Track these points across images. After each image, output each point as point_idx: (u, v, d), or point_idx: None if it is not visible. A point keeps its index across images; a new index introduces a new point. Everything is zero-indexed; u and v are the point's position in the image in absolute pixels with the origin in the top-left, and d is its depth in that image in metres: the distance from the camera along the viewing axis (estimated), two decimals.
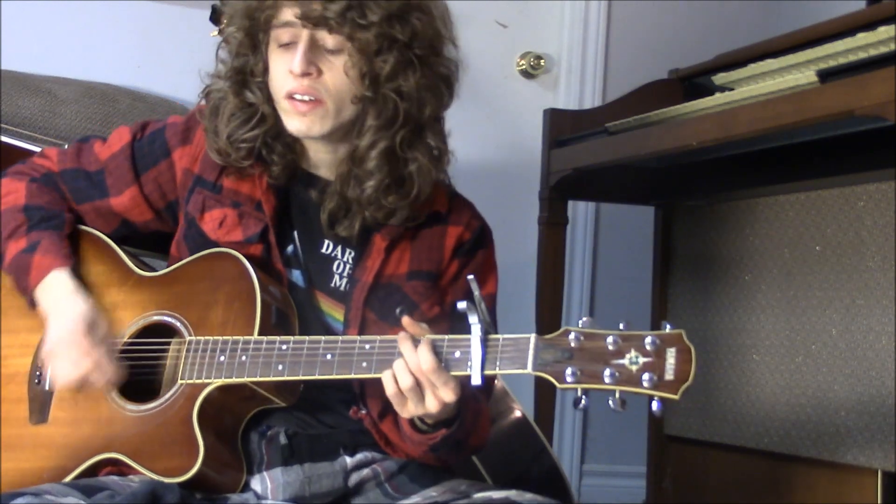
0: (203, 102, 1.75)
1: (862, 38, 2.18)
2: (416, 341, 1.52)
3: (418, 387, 1.51)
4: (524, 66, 3.36)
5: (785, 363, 2.55)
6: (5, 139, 2.37)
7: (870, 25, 2.22)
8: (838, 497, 2.41)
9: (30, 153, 2.18)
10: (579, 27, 3.39)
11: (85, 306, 1.67)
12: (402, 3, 1.62)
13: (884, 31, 2.12)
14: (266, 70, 1.66)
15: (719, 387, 2.71)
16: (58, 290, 1.69)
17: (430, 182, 1.69)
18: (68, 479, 1.62)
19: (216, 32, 2.48)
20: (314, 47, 1.61)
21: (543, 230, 2.79)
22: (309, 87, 1.61)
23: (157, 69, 2.91)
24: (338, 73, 1.61)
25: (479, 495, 1.62)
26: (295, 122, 1.64)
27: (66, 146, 1.86)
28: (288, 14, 1.61)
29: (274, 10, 1.62)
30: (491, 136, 3.32)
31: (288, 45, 1.63)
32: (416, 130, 1.67)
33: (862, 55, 2.16)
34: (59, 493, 1.50)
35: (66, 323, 1.66)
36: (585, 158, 2.69)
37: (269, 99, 1.67)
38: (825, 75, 2.06)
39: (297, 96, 1.62)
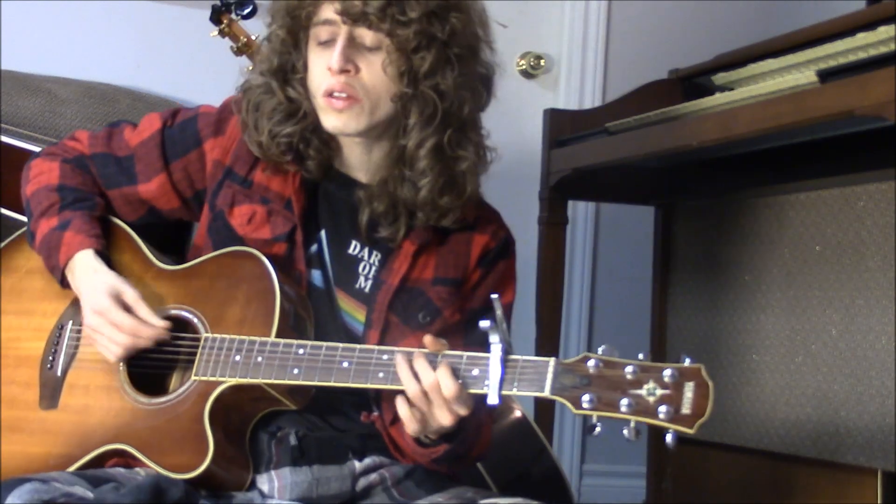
0: (240, 94, 1.74)
1: (862, 38, 2.18)
2: (433, 360, 1.51)
3: (426, 398, 1.51)
4: (524, 66, 3.36)
5: (785, 363, 2.55)
6: (5, 139, 2.38)
7: (870, 25, 2.22)
8: (838, 497, 2.41)
9: (30, 153, 2.18)
10: (579, 27, 3.39)
11: (108, 280, 1.67)
12: (442, 1, 1.63)
13: (884, 31, 2.12)
14: (306, 67, 1.67)
15: (719, 387, 2.67)
16: (82, 271, 1.69)
17: (476, 181, 1.71)
18: (74, 467, 1.62)
19: (216, 32, 2.49)
20: (352, 44, 1.62)
21: (543, 230, 2.79)
22: (346, 85, 1.62)
23: (157, 69, 2.91)
24: (375, 71, 1.62)
25: None
26: (331, 120, 1.65)
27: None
28: (328, 12, 1.62)
29: (314, 7, 1.63)
30: (491, 136, 3.31)
31: (326, 43, 1.63)
32: (460, 129, 1.68)
33: (862, 55, 2.16)
34: (65, 481, 1.50)
35: (93, 303, 1.66)
36: (585, 158, 2.68)
37: (308, 96, 1.68)
38: (825, 75, 2.06)
39: (336, 94, 1.63)
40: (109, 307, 1.65)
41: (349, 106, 1.63)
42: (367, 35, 1.61)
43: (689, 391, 1.42)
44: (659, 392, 1.42)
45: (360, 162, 1.72)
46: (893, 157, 2.21)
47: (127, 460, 1.62)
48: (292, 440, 1.66)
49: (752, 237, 2.66)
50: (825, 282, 2.46)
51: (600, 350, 1.46)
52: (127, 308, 1.65)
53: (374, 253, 1.73)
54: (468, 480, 1.78)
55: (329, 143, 1.71)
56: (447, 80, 1.64)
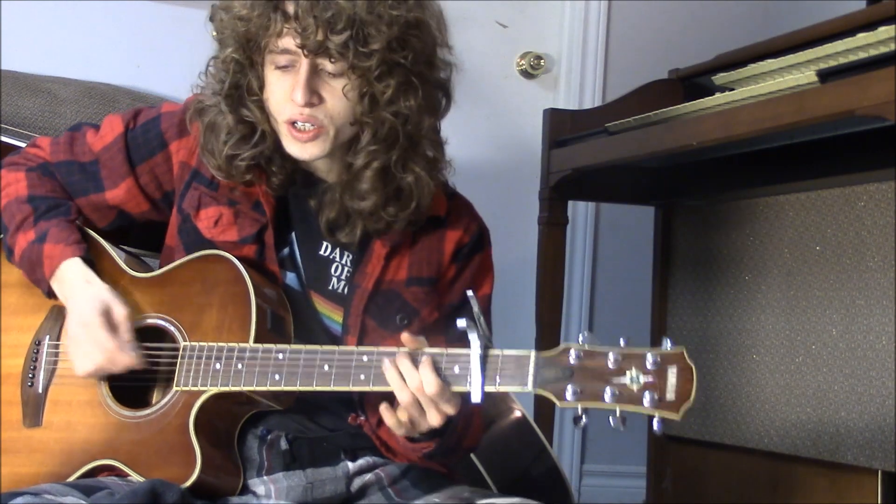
0: (198, 97, 1.71)
1: (862, 38, 2.18)
2: (415, 358, 1.50)
3: (418, 404, 1.51)
4: (524, 66, 3.36)
5: (785, 363, 2.55)
6: (5, 139, 2.37)
7: (870, 25, 2.22)
8: (838, 497, 2.41)
9: None
10: (579, 27, 3.39)
11: (98, 293, 1.65)
12: (402, 26, 1.59)
13: (884, 31, 2.12)
14: (262, 88, 1.64)
15: (719, 387, 2.71)
16: (71, 280, 1.67)
17: (428, 192, 1.68)
18: None
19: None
20: (314, 73, 1.58)
21: (543, 230, 2.78)
22: (310, 116, 1.60)
23: (157, 69, 2.91)
24: (338, 97, 1.60)
25: None
26: (294, 148, 1.63)
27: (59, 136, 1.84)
28: (287, 42, 1.58)
29: (273, 37, 1.59)
30: (491, 136, 3.32)
31: (286, 69, 1.60)
32: (411, 146, 1.66)
33: (862, 55, 2.16)
34: (58, 492, 1.50)
35: (80, 314, 1.64)
36: (585, 158, 2.69)
37: (266, 117, 1.65)
38: (825, 75, 2.06)
39: (299, 125, 1.61)
40: (96, 323, 1.62)
41: (313, 138, 1.61)
42: (329, 63, 1.58)
43: (672, 376, 1.41)
44: (642, 379, 1.41)
45: (324, 165, 1.70)
46: (893, 157, 2.21)
47: (118, 472, 1.61)
48: (283, 444, 1.65)
49: (752, 237, 2.66)
50: (825, 282, 2.46)
51: (580, 338, 1.45)
52: (113, 326, 1.63)
53: (347, 254, 1.72)
54: (467, 480, 1.77)
55: (291, 156, 1.68)
56: (409, 103, 1.62)
